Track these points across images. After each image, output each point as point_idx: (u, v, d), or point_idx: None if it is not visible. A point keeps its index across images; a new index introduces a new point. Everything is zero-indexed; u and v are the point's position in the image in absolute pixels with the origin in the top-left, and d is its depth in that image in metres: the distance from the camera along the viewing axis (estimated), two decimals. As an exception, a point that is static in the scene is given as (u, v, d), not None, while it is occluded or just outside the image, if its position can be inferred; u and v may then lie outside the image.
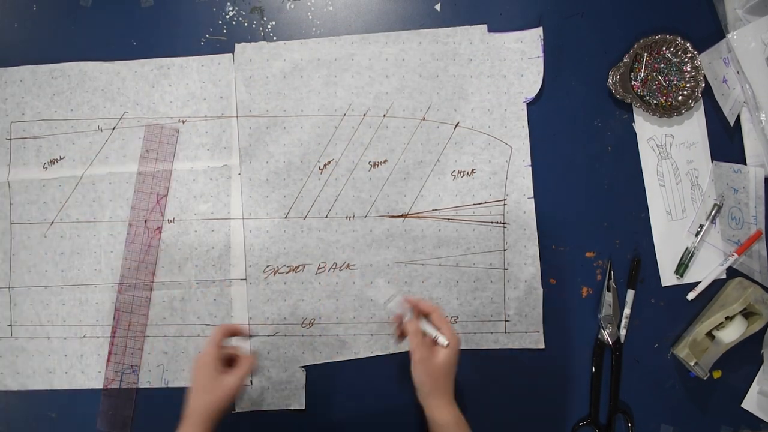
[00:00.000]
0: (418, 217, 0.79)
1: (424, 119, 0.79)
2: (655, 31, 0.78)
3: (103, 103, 0.81)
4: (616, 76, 0.78)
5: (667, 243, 0.79)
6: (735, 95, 0.77)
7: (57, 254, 0.81)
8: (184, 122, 0.80)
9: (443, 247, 0.79)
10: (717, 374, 0.79)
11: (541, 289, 0.78)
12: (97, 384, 0.80)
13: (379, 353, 0.78)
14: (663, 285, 0.79)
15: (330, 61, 0.80)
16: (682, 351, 0.76)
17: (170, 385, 0.79)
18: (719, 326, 0.75)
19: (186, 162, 0.80)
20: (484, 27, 0.79)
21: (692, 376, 0.78)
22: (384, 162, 0.79)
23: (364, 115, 0.80)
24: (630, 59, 0.78)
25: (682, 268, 0.79)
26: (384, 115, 0.79)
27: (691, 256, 0.79)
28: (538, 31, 0.79)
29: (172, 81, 0.81)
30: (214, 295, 0.79)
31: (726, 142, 0.79)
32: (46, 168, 0.81)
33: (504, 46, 0.79)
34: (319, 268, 0.79)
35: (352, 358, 0.78)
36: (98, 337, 0.80)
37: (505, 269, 0.79)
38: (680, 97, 0.79)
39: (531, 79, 0.79)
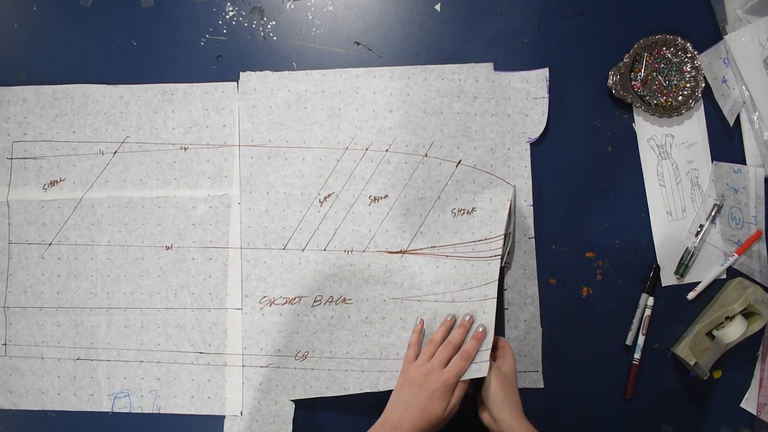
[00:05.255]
0: (416, 253, 0.79)
1: (426, 156, 0.79)
2: (655, 31, 0.78)
3: (106, 126, 0.81)
4: (616, 76, 0.78)
5: (667, 243, 0.79)
6: (735, 95, 0.78)
7: (54, 276, 0.81)
8: (186, 149, 0.80)
9: (440, 283, 0.78)
10: (717, 374, 0.79)
11: (540, 329, 0.78)
12: (89, 407, 0.80)
13: (369, 390, 0.78)
14: (663, 285, 0.79)
15: (334, 93, 0.79)
16: (682, 351, 0.75)
17: (162, 411, 0.79)
18: (719, 326, 0.75)
19: (186, 189, 0.80)
20: (490, 65, 0.79)
21: (692, 376, 0.78)
22: (384, 197, 0.79)
23: (367, 149, 0.79)
24: (630, 59, 0.78)
25: (682, 268, 0.78)
26: (386, 150, 0.79)
27: (692, 256, 0.78)
28: (544, 72, 0.78)
29: (175, 107, 0.80)
30: (209, 324, 0.79)
31: (726, 142, 0.79)
32: (46, 189, 0.81)
33: (509, 86, 0.79)
34: (315, 301, 0.79)
35: (341, 394, 0.78)
36: (92, 360, 0.80)
37: (505, 309, 0.78)
38: (680, 97, 0.78)
39: (535, 120, 0.79)
